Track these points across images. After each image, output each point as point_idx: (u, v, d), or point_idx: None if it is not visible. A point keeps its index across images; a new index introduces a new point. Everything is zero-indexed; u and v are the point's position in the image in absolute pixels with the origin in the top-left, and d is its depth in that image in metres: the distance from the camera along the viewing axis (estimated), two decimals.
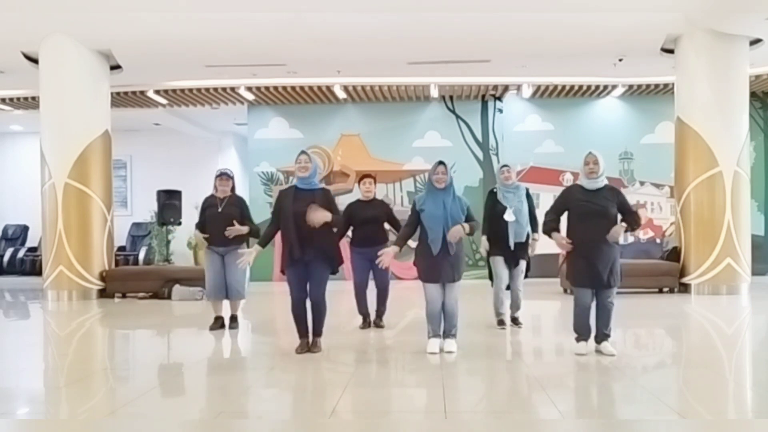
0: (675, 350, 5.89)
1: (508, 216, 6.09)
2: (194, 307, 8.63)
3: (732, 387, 4.26)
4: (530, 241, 6.32)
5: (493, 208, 6.28)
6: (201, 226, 6.45)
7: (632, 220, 4.97)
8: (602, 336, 5.07)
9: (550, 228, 5.05)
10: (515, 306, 6.45)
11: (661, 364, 5.12)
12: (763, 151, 12.47)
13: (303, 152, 5.23)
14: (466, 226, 5.05)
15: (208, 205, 6.49)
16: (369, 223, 6.34)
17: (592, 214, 4.87)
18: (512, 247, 6.15)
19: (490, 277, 6.45)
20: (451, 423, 3.45)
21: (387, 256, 5.03)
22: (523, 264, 6.32)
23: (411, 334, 6.16)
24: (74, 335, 7.04)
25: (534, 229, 6.35)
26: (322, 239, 5.09)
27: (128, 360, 5.72)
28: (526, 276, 6.42)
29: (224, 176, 6.49)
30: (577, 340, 5.11)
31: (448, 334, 5.28)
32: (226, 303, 6.62)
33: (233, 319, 6.65)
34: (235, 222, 6.20)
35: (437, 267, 5.07)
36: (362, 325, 6.57)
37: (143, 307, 8.95)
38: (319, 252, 5.09)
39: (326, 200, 5.15)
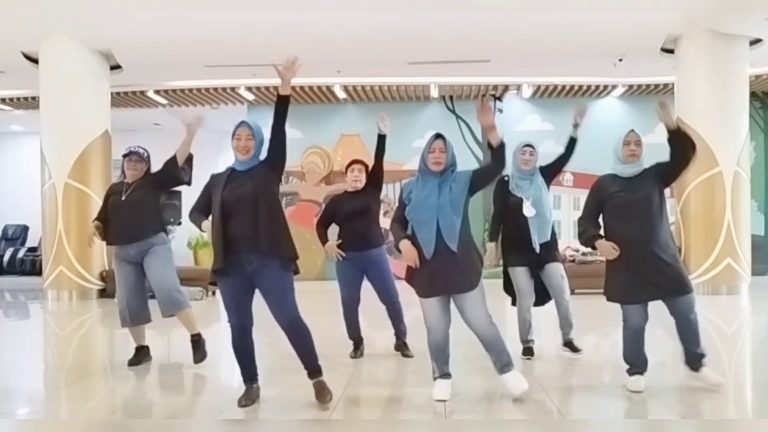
0: (675, 350, 5.87)
1: (528, 210, 4.62)
2: (194, 307, 8.57)
3: (732, 387, 4.25)
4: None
5: (505, 201, 4.75)
6: (101, 220, 4.80)
7: (680, 140, 3.77)
8: (695, 358, 3.97)
9: (590, 237, 3.90)
10: (566, 324, 4.88)
11: (661, 364, 5.10)
12: (763, 151, 12.48)
13: (243, 123, 3.77)
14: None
15: (112, 192, 4.82)
16: (357, 217, 4.80)
17: (631, 205, 3.80)
18: (537, 250, 4.67)
19: (507, 291, 4.89)
20: None
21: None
22: (557, 268, 4.76)
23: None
24: (74, 335, 7.05)
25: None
26: (273, 230, 3.51)
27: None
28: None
29: (134, 155, 4.75)
30: (631, 372, 3.99)
31: (502, 367, 3.78)
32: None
33: (196, 342, 4.84)
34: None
35: (435, 273, 3.61)
36: (353, 353, 5.02)
37: None
38: (268, 250, 3.49)
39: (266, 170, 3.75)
